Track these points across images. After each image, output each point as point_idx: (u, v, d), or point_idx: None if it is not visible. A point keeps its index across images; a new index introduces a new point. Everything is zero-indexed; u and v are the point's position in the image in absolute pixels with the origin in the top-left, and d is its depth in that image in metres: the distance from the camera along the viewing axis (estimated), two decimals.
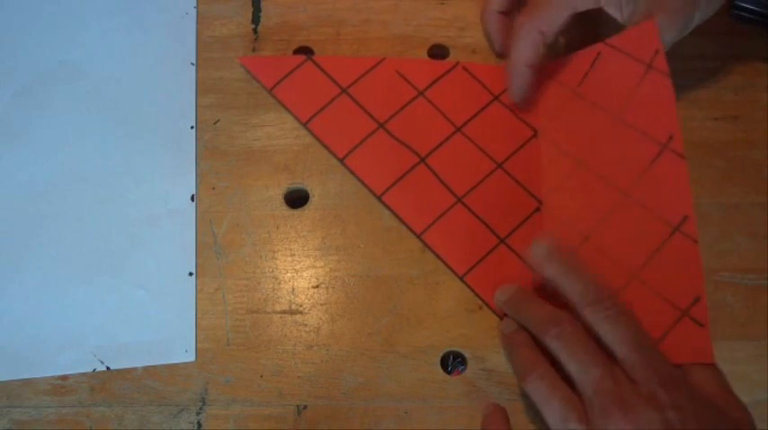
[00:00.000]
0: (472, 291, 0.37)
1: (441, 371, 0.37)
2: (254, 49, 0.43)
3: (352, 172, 0.40)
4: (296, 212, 0.39)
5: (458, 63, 0.42)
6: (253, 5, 0.44)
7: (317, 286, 0.38)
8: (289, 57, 0.42)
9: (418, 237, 0.38)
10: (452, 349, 0.37)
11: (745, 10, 0.41)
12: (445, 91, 0.41)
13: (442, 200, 0.39)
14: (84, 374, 0.37)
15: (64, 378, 0.37)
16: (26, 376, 0.37)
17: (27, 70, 0.42)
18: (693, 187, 0.39)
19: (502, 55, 0.41)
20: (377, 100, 0.40)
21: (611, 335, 0.31)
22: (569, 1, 0.36)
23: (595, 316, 0.31)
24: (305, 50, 0.43)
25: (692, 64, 0.42)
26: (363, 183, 0.39)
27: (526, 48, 0.37)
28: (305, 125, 0.40)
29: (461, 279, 0.38)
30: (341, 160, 0.40)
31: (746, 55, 0.42)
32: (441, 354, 0.37)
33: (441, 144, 0.40)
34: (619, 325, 0.31)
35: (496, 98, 0.41)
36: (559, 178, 0.39)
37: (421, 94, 0.41)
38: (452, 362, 0.37)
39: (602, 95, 0.38)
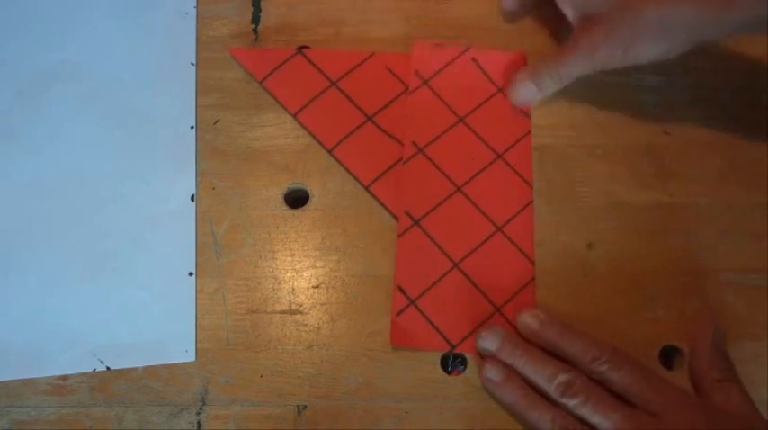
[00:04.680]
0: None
1: (441, 371, 0.37)
2: None
3: (340, 163, 0.40)
4: (296, 212, 0.39)
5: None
6: (253, 5, 0.44)
7: (317, 286, 0.38)
8: (280, 49, 0.42)
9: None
10: None
11: None
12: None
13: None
14: (84, 374, 0.37)
15: (64, 378, 0.37)
16: (26, 376, 0.37)
17: (27, 71, 0.42)
18: (694, 186, 0.40)
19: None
20: (366, 93, 0.41)
21: (620, 380, 0.33)
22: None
23: (601, 367, 0.33)
24: None
25: (692, 64, 0.42)
26: (351, 174, 0.40)
27: None
28: (294, 116, 0.41)
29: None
30: (329, 151, 0.40)
31: (746, 55, 0.42)
32: (441, 354, 0.37)
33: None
34: (623, 368, 0.33)
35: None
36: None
37: (408, 89, 0.41)
38: (452, 362, 0.37)
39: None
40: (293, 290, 0.38)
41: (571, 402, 0.33)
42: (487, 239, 0.38)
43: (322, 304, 0.38)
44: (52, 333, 0.37)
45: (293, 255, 0.39)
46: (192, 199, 0.40)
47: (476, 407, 0.36)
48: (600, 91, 0.41)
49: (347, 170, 0.40)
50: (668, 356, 0.37)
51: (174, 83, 0.42)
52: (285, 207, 0.40)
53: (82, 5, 0.44)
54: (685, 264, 0.38)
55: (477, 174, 0.39)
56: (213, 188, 0.40)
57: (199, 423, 0.36)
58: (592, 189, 0.40)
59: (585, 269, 0.38)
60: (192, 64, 0.42)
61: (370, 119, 0.40)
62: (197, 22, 0.43)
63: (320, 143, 0.40)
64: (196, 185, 0.40)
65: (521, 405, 0.34)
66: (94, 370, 0.37)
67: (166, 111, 0.41)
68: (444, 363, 0.37)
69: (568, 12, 0.38)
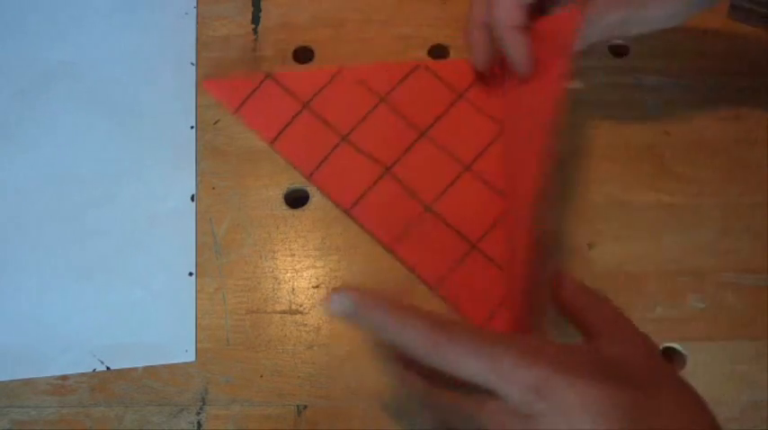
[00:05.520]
0: (450, 303, 0.37)
1: None
2: (253, 50, 0.43)
3: (318, 189, 0.39)
4: (296, 212, 0.39)
5: (418, 65, 0.41)
6: (253, 5, 0.44)
7: (316, 286, 0.38)
8: (249, 76, 0.41)
9: (388, 250, 0.38)
10: None
11: (745, 10, 0.41)
12: (408, 93, 0.40)
13: (409, 210, 0.38)
14: (84, 374, 0.37)
15: (64, 378, 0.37)
16: (26, 376, 0.37)
17: (27, 70, 0.42)
18: (694, 187, 0.40)
19: (484, 69, 0.39)
20: (339, 111, 0.40)
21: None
22: None
23: None
24: (305, 50, 0.43)
25: (693, 64, 0.42)
26: (330, 200, 0.39)
27: (507, 7, 0.34)
28: (270, 145, 0.40)
29: (436, 292, 0.37)
30: (307, 178, 0.39)
31: (746, 55, 0.42)
32: None
33: (406, 151, 0.39)
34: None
35: (461, 96, 0.40)
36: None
37: (382, 100, 0.40)
38: None
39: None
40: (293, 290, 0.38)
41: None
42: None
43: (322, 304, 0.38)
44: (52, 333, 0.37)
45: (293, 255, 0.39)
46: (192, 199, 0.40)
47: None
48: (600, 91, 0.41)
49: (326, 196, 0.39)
50: (668, 356, 0.37)
51: (173, 83, 0.42)
52: (285, 207, 0.39)
53: (81, 5, 0.44)
54: (685, 264, 0.38)
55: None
56: (213, 188, 0.40)
57: (199, 423, 0.36)
58: (592, 189, 0.40)
59: (585, 269, 0.38)
60: (192, 64, 0.42)
61: (344, 138, 0.39)
62: (197, 22, 0.43)
63: (298, 171, 0.39)
64: (196, 185, 0.40)
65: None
66: (94, 370, 0.37)
67: (166, 111, 0.41)
68: None
69: None
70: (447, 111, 0.40)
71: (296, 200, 0.40)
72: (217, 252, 0.39)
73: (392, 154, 0.39)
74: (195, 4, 0.44)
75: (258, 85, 0.41)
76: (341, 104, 0.40)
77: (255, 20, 0.43)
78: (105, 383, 0.37)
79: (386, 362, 0.29)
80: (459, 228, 0.38)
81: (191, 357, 0.37)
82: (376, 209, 0.38)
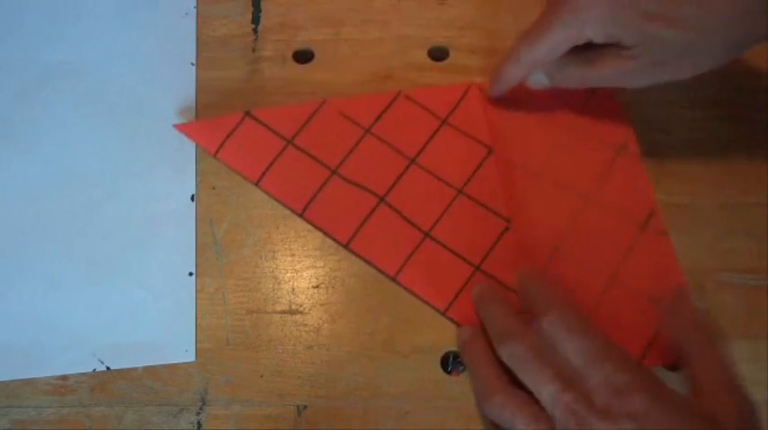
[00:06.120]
0: (457, 325, 0.37)
1: (441, 371, 0.37)
2: (254, 50, 0.43)
3: (312, 225, 0.38)
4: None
5: (399, 92, 0.41)
6: (253, 5, 0.44)
7: (317, 286, 0.38)
8: (226, 117, 0.39)
9: (392, 279, 0.37)
10: (452, 349, 0.37)
11: None
12: (392, 124, 0.40)
13: (409, 237, 0.38)
14: (84, 374, 0.37)
15: (64, 378, 0.37)
16: (26, 376, 0.37)
17: (27, 70, 0.42)
18: (694, 187, 0.40)
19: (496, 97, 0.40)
20: (325, 145, 0.39)
21: (567, 345, 0.31)
22: (572, 32, 0.34)
23: (552, 326, 0.31)
24: (305, 51, 0.43)
25: None
26: (327, 235, 0.38)
27: (514, 75, 0.37)
28: (256, 184, 0.39)
29: (444, 314, 0.37)
30: (299, 215, 0.38)
31: (746, 55, 0.42)
32: (441, 354, 0.37)
33: (397, 179, 0.39)
34: (574, 334, 0.31)
35: (444, 121, 0.40)
36: (519, 194, 0.38)
37: (367, 131, 0.40)
38: (452, 362, 0.37)
39: (550, 110, 0.40)
40: (293, 290, 0.38)
41: (508, 362, 0.31)
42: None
43: (322, 304, 0.38)
44: (52, 333, 0.37)
45: (293, 255, 0.39)
46: (192, 199, 0.40)
47: (476, 407, 0.36)
48: None
49: (322, 231, 0.38)
50: None
51: (173, 83, 0.42)
52: (285, 206, 0.39)
53: (82, 5, 0.44)
54: (685, 264, 0.38)
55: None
56: (213, 188, 0.40)
57: (199, 423, 0.36)
58: None
59: None
60: (192, 64, 0.42)
61: (334, 172, 0.39)
62: (197, 22, 0.43)
63: (289, 208, 0.39)
64: (196, 185, 0.40)
65: (475, 364, 0.33)
66: (94, 370, 0.37)
67: (166, 111, 0.41)
68: (444, 363, 0.37)
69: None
70: (432, 137, 0.40)
71: None
72: (217, 252, 0.39)
73: (384, 183, 0.39)
74: (195, 4, 0.44)
75: (236, 125, 0.39)
76: (325, 138, 0.39)
77: (255, 20, 0.43)
78: (105, 383, 0.37)
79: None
80: (460, 252, 0.37)
81: (191, 357, 0.37)
82: (375, 240, 0.38)
